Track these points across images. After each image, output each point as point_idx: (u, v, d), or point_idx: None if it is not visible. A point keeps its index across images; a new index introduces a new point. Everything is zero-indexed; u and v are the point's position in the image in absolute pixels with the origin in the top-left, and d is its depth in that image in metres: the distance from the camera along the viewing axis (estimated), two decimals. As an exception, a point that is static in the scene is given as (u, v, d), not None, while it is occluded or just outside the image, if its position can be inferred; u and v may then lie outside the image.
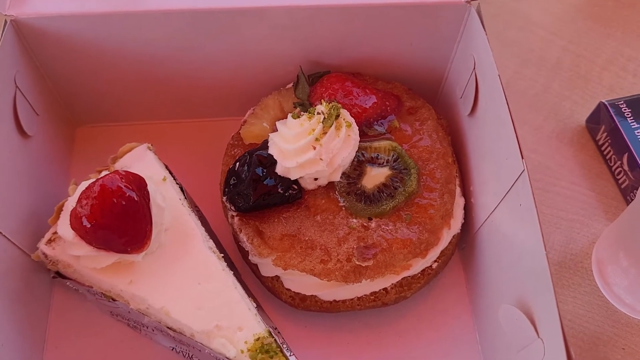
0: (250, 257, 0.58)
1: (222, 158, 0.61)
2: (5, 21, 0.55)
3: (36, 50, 0.59)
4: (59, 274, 0.55)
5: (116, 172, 0.49)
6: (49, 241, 0.53)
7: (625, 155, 0.66)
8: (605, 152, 0.70)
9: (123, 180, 0.49)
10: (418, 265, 0.57)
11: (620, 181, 0.68)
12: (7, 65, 0.55)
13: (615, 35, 0.80)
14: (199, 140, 0.69)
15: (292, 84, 0.63)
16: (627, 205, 0.65)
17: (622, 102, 0.69)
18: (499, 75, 0.53)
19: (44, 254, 0.53)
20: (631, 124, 0.67)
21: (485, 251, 0.58)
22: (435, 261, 0.58)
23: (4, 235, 0.52)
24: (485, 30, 0.56)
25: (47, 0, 0.57)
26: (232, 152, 0.61)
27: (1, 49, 0.54)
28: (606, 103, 0.69)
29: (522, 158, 0.49)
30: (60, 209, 0.53)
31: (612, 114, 0.68)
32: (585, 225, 0.67)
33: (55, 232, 0.53)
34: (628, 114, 0.68)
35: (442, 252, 0.58)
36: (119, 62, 0.62)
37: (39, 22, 0.57)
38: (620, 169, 0.67)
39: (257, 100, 0.63)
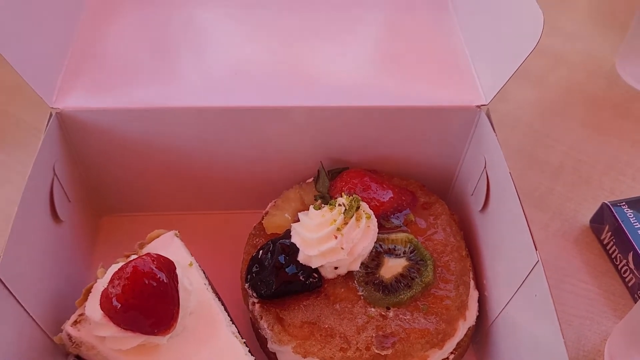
0: (269, 345, 0.58)
1: (244, 247, 0.63)
2: (51, 113, 0.60)
3: (74, 140, 0.63)
4: (78, 358, 0.55)
5: (148, 254, 0.52)
6: (75, 322, 0.54)
7: (631, 254, 0.68)
8: (610, 251, 0.72)
9: (154, 263, 0.51)
10: (435, 357, 0.57)
11: (627, 279, 0.70)
12: (48, 154, 0.58)
13: (612, 142, 0.85)
14: (220, 231, 0.71)
15: (312, 179, 0.67)
16: (635, 302, 0.67)
17: (624, 203, 0.72)
18: (510, 173, 0.57)
19: (68, 335, 0.54)
20: (634, 224, 0.70)
21: (500, 344, 0.59)
22: (451, 353, 0.59)
23: (30, 316, 0.53)
24: (495, 132, 0.60)
25: (88, 94, 0.62)
26: (254, 242, 0.63)
27: (45, 140, 0.57)
28: (609, 204, 0.72)
29: (536, 250, 0.52)
30: (89, 291, 0.54)
31: (616, 214, 0.71)
32: (595, 322, 0.68)
33: (82, 314, 0.54)
34: (630, 215, 0.71)
35: (458, 344, 0.59)
36: (149, 153, 0.66)
37: (80, 115, 0.61)
38: (626, 267, 0.69)
39: (278, 194, 0.66)
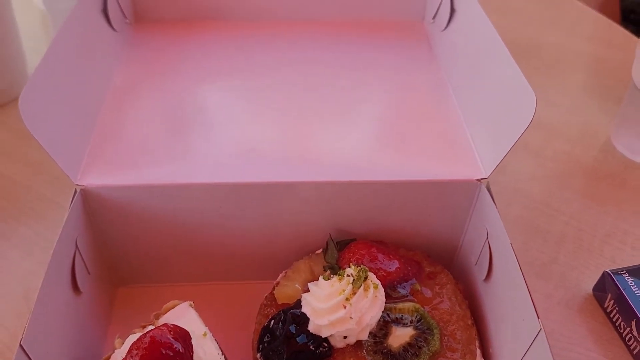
0: (280, 415, 0.59)
1: (256, 317, 0.66)
2: (75, 190, 0.63)
3: (95, 215, 0.66)
4: None
5: (165, 325, 0.54)
6: (92, 393, 0.56)
7: (634, 322, 0.70)
8: (614, 319, 0.74)
9: (171, 333, 0.53)
10: None
11: (631, 347, 0.71)
12: (72, 229, 0.61)
13: (610, 212, 0.88)
14: (233, 301, 0.73)
15: (321, 250, 0.70)
16: (641, 371, 0.68)
17: (624, 271, 0.74)
18: (511, 244, 0.59)
19: (85, 405, 0.56)
20: (635, 292, 0.72)
21: (508, 413, 0.60)
22: (460, 422, 0.60)
23: (49, 387, 0.55)
24: (496, 204, 0.63)
25: (109, 172, 0.66)
26: (266, 312, 0.65)
27: (69, 216, 0.61)
28: (610, 272, 0.74)
29: (538, 318, 0.53)
30: (107, 361, 0.56)
31: (617, 282, 0.73)
32: (603, 391, 0.69)
33: (99, 384, 0.56)
34: (631, 283, 0.73)
35: (466, 413, 0.60)
36: (164, 227, 0.69)
37: (102, 191, 0.65)
38: (630, 335, 0.71)
39: (289, 264, 0.69)
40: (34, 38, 1.06)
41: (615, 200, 0.90)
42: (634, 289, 0.72)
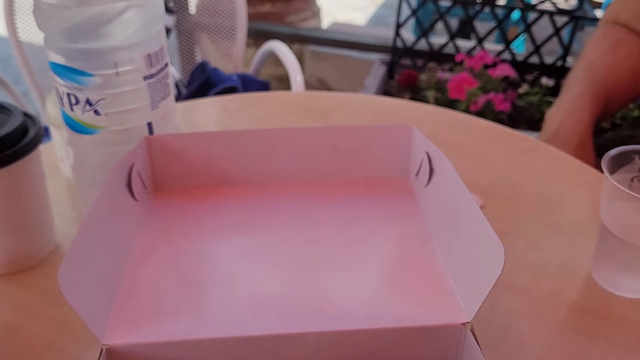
0: None
1: None
2: (102, 349, 0.71)
3: (118, 372, 0.73)
4: None
5: None
6: None
7: None
8: None
9: None
10: None
11: None
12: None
13: (598, 345, 0.93)
14: None
15: (325, 397, 0.75)
16: None
17: (612, 405, 0.79)
18: (497, 385, 0.65)
19: None
20: None
21: None
22: None
23: None
24: (480, 346, 0.70)
25: (131, 331, 0.73)
26: None
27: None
28: (598, 406, 0.79)
29: None
30: None
31: (606, 416, 0.77)
32: None
33: None
34: (620, 416, 0.77)
35: None
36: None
37: (126, 349, 0.72)
38: None
39: (295, 411, 0.74)
40: (59, 203, 1.17)
41: (602, 334, 0.95)
42: (623, 422, 0.76)
